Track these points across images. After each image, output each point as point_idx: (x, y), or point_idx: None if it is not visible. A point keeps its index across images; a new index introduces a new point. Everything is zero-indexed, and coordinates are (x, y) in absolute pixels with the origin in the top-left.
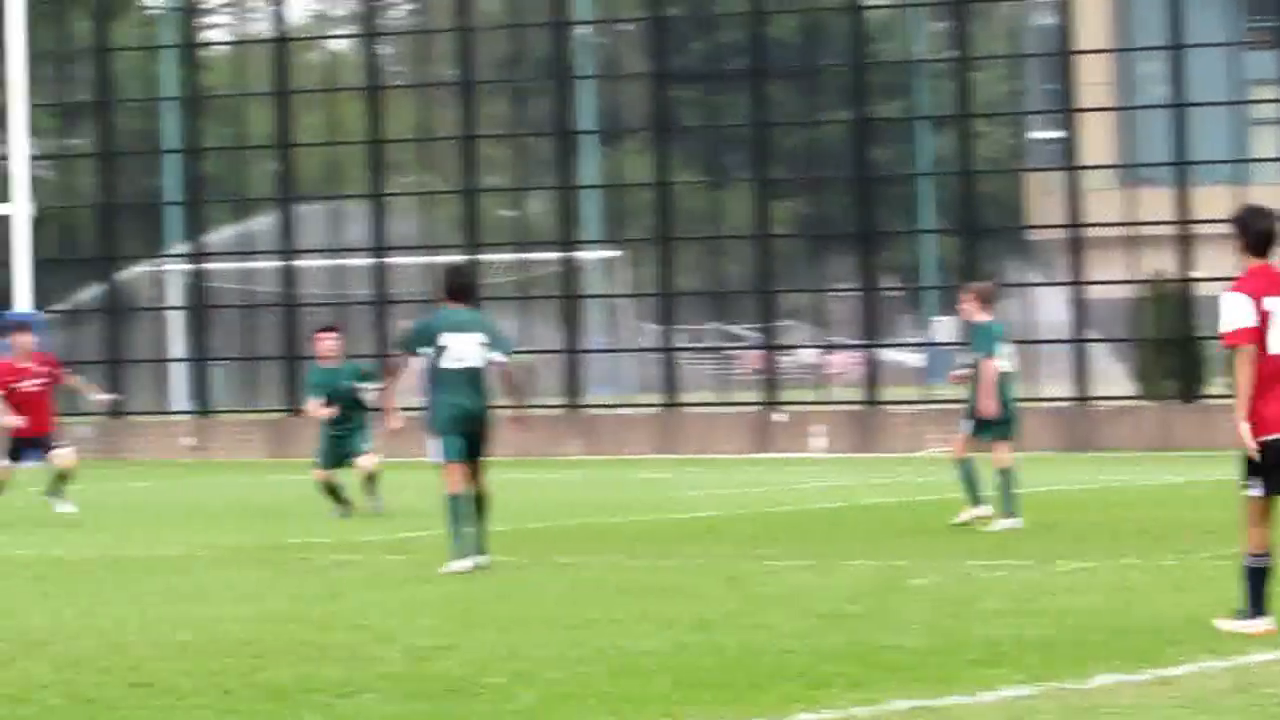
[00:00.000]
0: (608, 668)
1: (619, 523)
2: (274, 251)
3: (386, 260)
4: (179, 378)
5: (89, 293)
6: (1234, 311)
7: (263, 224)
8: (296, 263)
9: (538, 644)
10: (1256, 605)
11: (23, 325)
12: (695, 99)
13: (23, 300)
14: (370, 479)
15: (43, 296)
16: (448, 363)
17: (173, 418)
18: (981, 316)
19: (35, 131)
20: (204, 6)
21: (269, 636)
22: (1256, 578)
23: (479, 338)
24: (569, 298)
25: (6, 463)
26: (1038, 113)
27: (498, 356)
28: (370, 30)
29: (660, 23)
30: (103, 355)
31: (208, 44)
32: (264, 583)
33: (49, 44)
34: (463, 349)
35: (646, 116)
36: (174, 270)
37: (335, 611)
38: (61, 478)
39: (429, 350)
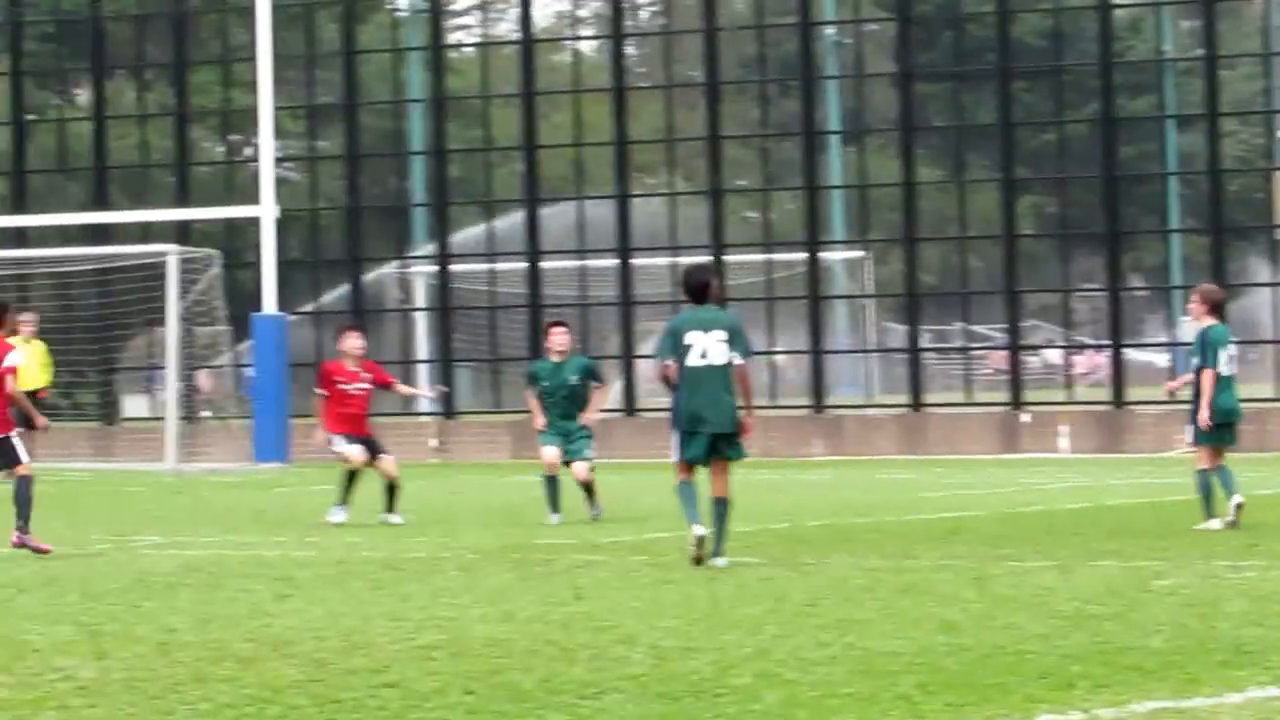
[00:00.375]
0: (851, 668)
1: (863, 523)
2: (518, 253)
3: (631, 261)
4: (424, 379)
5: (334, 294)
6: None
7: (508, 225)
8: (541, 264)
9: (782, 645)
10: None
11: (352, 327)
12: (940, 98)
13: (269, 302)
14: (588, 488)
15: (288, 299)
16: (692, 360)
17: (419, 419)
18: (1208, 320)
19: (281, 134)
20: (451, 8)
21: (513, 638)
22: None
23: (720, 335)
24: (813, 298)
25: (356, 450)
26: None
27: (736, 356)
28: (616, 31)
29: (905, 23)
30: None
31: (454, 46)
32: (508, 584)
33: (296, 47)
34: (706, 347)
35: (891, 116)
36: (419, 271)
37: (579, 613)
38: (391, 489)
39: (677, 350)
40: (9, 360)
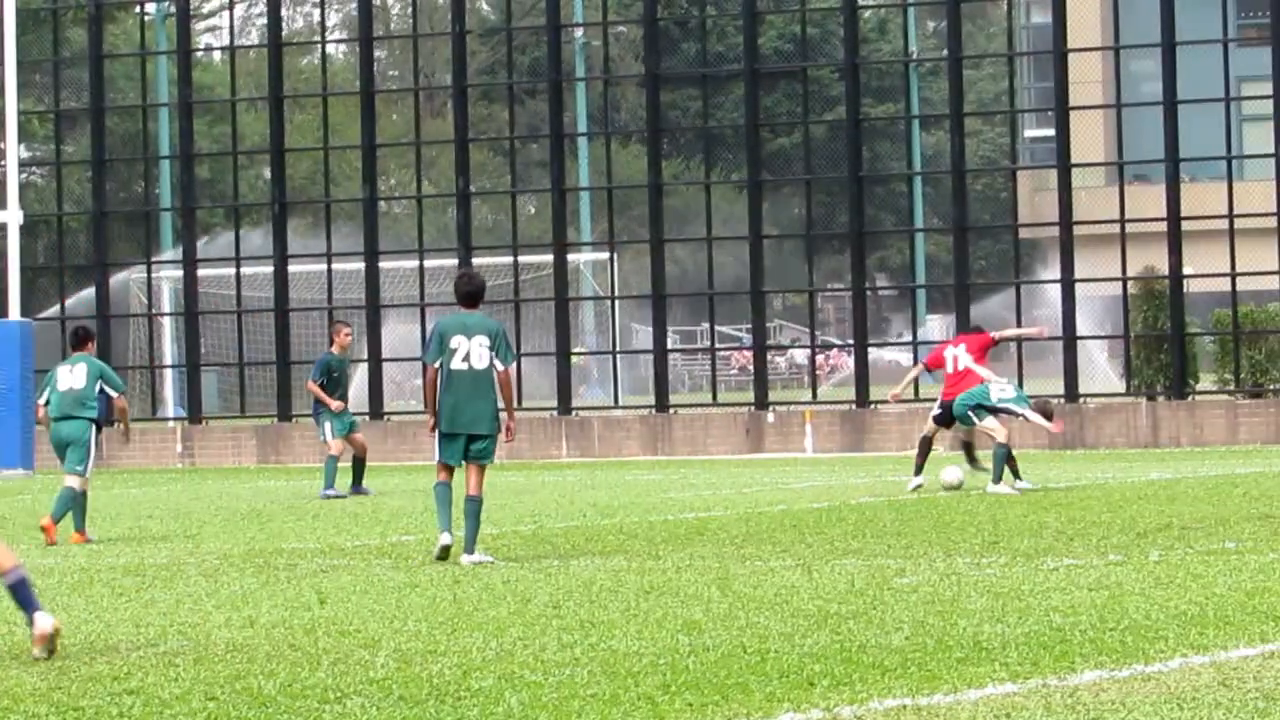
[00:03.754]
0: (594, 669)
1: (608, 524)
2: (266, 257)
3: (380, 264)
4: (170, 384)
5: (77, 298)
6: None
7: (255, 230)
8: (290, 267)
9: (525, 647)
10: None
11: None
12: (688, 99)
13: (14, 308)
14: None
15: (34, 304)
16: (455, 364)
17: (166, 424)
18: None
19: (26, 137)
20: (200, 11)
21: (256, 643)
22: None
23: (483, 340)
24: (561, 300)
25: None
26: None
27: (499, 362)
28: (365, 34)
29: (653, 24)
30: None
31: (203, 49)
32: (251, 589)
33: (42, 50)
34: (469, 350)
35: (639, 117)
36: (166, 276)
37: (322, 617)
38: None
39: (442, 353)
40: None
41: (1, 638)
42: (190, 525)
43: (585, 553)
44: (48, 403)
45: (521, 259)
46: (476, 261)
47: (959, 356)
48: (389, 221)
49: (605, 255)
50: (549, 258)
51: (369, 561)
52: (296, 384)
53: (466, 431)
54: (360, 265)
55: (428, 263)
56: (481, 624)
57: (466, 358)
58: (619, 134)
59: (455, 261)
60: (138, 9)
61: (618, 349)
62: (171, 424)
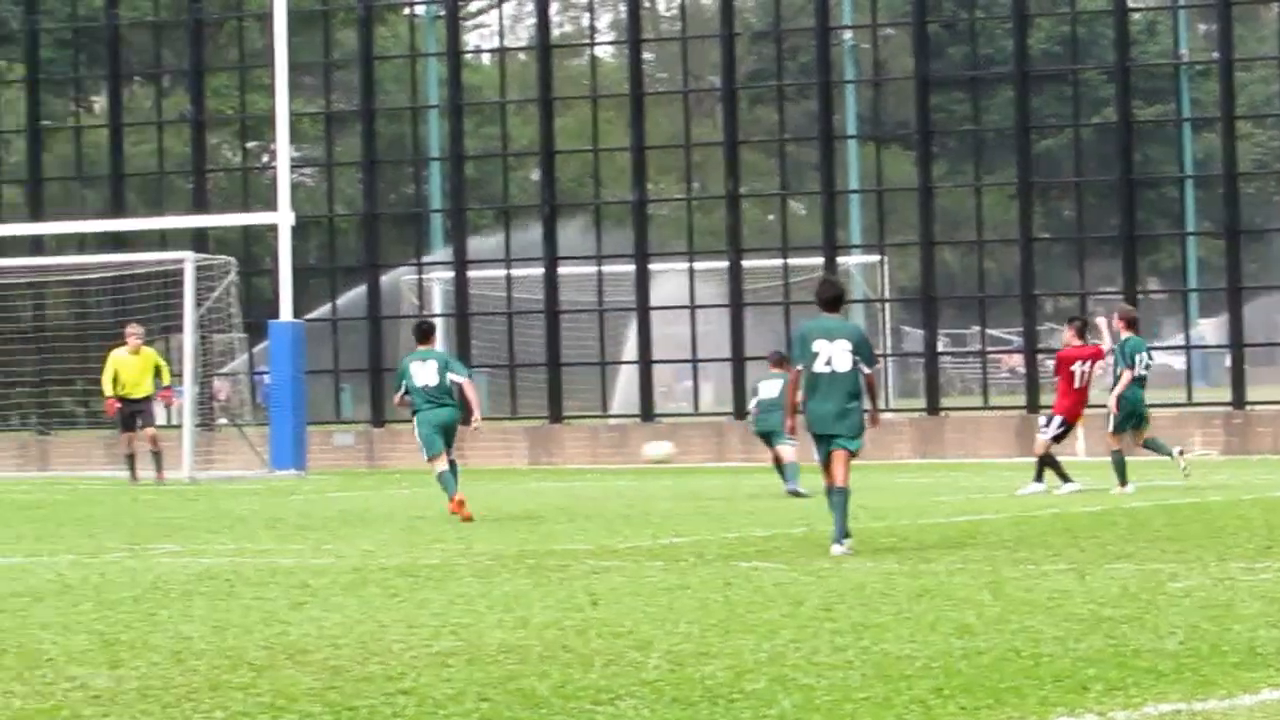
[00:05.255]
0: (867, 672)
1: (879, 527)
2: (535, 259)
3: (649, 266)
4: None
5: (347, 298)
6: None
7: (525, 230)
8: (559, 269)
9: (797, 649)
10: None
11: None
12: (957, 102)
13: (285, 309)
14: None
15: (304, 305)
16: (817, 367)
17: None
18: (1126, 334)
19: (298, 139)
20: (468, 12)
21: (528, 644)
22: None
23: (845, 345)
24: None
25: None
26: None
27: (863, 365)
28: (633, 37)
29: (922, 27)
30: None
31: (471, 51)
32: (523, 590)
33: (313, 52)
34: (831, 354)
35: (908, 120)
36: (436, 277)
37: (594, 618)
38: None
39: (805, 356)
40: None
41: (277, 637)
42: (462, 526)
43: (856, 555)
44: (407, 391)
45: (791, 261)
46: (746, 264)
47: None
48: (658, 223)
49: (875, 258)
50: (819, 260)
51: (640, 563)
52: (568, 385)
53: (831, 433)
54: (630, 268)
55: (696, 265)
56: (753, 626)
57: (829, 361)
58: (888, 137)
59: (725, 264)
60: (406, 10)
61: (889, 352)
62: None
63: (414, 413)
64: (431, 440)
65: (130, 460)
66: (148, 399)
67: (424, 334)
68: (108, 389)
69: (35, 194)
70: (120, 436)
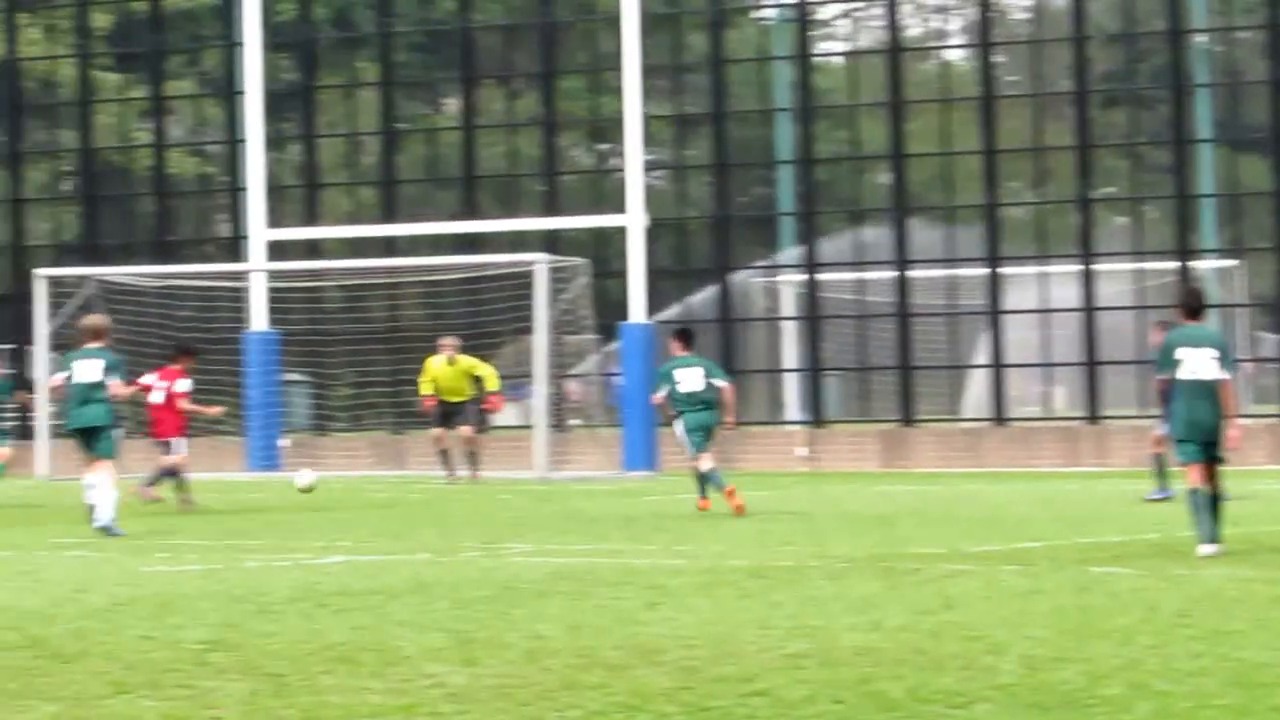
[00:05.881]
0: (1225, 680)
1: (1236, 533)
2: (887, 262)
3: (999, 270)
4: (792, 387)
5: (699, 297)
6: None
7: (874, 233)
8: (909, 273)
9: (1153, 655)
10: None
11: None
12: None
13: (637, 310)
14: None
15: (656, 307)
16: (1183, 374)
17: (786, 428)
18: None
19: (649, 141)
20: (818, 17)
21: (882, 646)
22: None
23: (1211, 353)
24: None
25: None
26: None
27: (1225, 373)
28: (984, 40)
29: (1277, 29)
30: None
31: (821, 55)
32: (876, 593)
33: (664, 55)
34: (1197, 362)
35: (1263, 123)
36: (786, 280)
37: (948, 622)
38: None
39: (1169, 365)
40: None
41: (631, 637)
42: (814, 528)
43: (1213, 562)
44: (669, 395)
45: (1144, 265)
46: (1099, 268)
47: None
48: (1009, 227)
49: (1230, 263)
50: (1173, 264)
51: (994, 567)
52: (921, 388)
53: (1202, 440)
54: (983, 271)
55: (1048, 268)
56: (1108, 632)
57: (1194, 369)
58: (1243, 140)
59: (1080, 268)
60: (756, 14)
61: (1243, 357)
62: (791, 427)
63: (677, 415)
64: (697, 441)
65: (444, 456)
66: (464, 403)
67: (687, 340)
68: (426, 390)
69: (389, 195)
70: (433, 432)
